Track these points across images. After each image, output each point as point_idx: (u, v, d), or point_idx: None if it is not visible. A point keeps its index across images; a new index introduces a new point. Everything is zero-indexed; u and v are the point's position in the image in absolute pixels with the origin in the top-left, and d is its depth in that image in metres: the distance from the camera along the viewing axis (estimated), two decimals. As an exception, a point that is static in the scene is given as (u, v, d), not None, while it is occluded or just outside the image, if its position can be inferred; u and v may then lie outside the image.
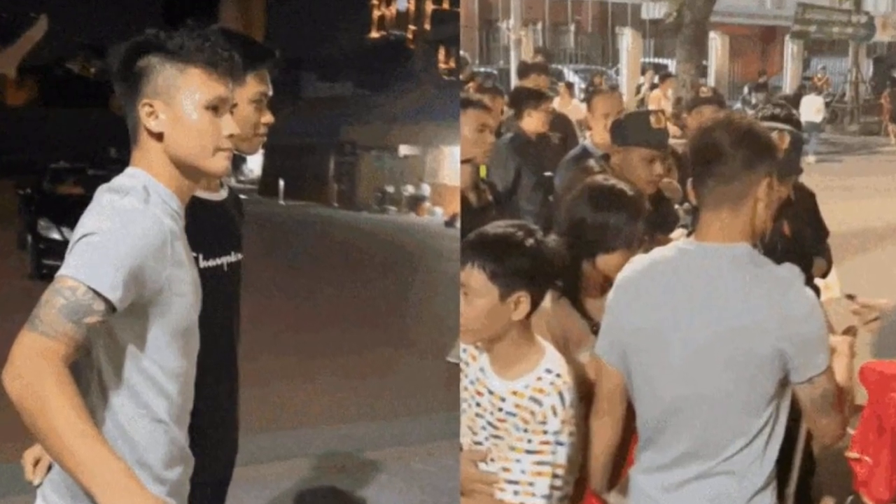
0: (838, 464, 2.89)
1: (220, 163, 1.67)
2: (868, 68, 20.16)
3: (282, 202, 23.95)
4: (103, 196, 1.60)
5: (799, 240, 2.90)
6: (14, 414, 1.42)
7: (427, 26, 32.92)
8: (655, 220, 2.66)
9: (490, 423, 2.04)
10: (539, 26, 19.71)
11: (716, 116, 1.95)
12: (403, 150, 23.23)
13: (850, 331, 2.46)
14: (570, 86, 10.61)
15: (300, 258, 12.49)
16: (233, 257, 2.09)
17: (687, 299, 1.84)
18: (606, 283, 2.15)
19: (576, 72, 17.35)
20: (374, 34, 37.13)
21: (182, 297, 1.63)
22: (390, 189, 23.04)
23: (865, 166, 14.63)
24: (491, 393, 2.04)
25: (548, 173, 4.36)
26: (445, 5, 32.28)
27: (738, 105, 16.85)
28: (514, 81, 8.71)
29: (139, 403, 1.61)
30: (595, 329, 2.13)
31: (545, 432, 1.97)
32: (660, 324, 1.87)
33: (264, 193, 25.82)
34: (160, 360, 1.62)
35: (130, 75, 1.63)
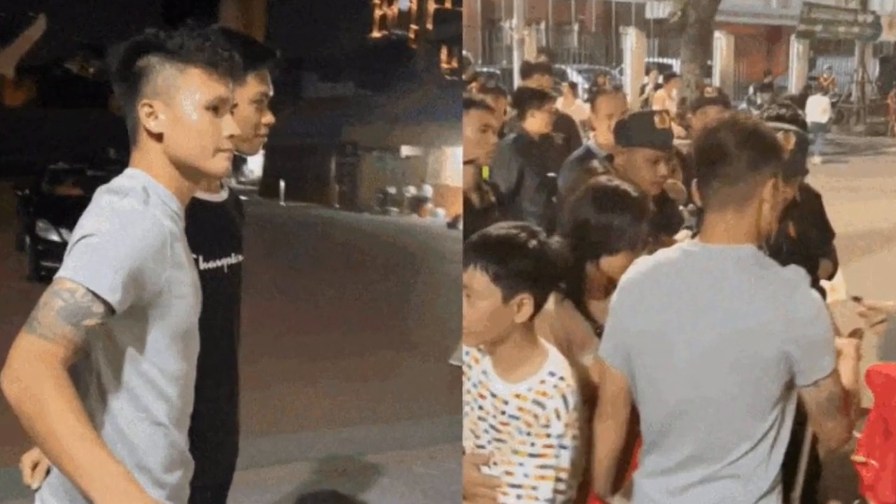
0: (844, 467, 2.88)
1: (221, 164, 1.66)
2: (874, 68, 20.10)
3: (283, 203, 23.98)
4: (102, 197, 1.59)
5: (804, 241, 2.89)
6: (12, 417, 1.41)
7: (429, 26, 32.95)
8: (660, 222, 2.64)
9: (493, 427, 2.04)
10: (542, 26, 19.71)
11: (721, 117, 1.95)
12: (405, 150, 23.25)
13: (856, 333, 2.45)
14: (573, 86, 10.60)
15: (301, 260, 12.50)
16: (233, 259, 2.09)
17: (691, 301, 1.83)
18: (610, 284, 2.15)
19: (579, 72, 17.34)
20: (376, 34, 37.19)
21: (182, 300, 1.62)
22: (392, 190, 23.05)
23: (871, 167, 14.60)
24: (494, 396, 2.04)
25: (551, 174, 4.35)
26: (448, 4, 32.30)
27: (744, 105, 16.81)
28: (517, 81, 8.70)
29: (139, 406, 1.60)
30: (599, 331, 2.13)
31: (548, 436, 1.96)
32: (664, 326, 1.86)
33: (265, 194, 25.85)
34: (160, 363, 1.61)
35: (130, 75, 1.62)
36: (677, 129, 4.52)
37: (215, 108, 1.63)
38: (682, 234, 3.08)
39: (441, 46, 30.89)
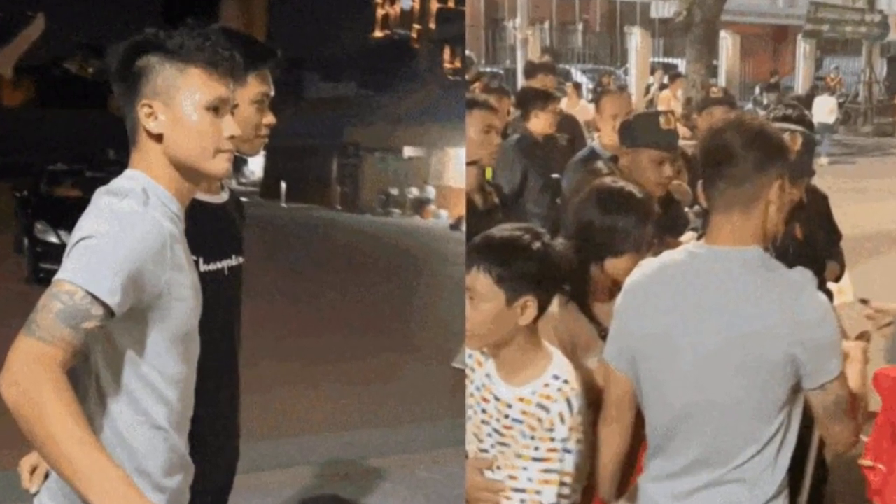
0: (851, 472, 2.85)
1: (221, 165, 1.65)
2: (882, 68, 19.99)
3: (284, 204, 24.02)
4: (101, 198, 1.59)
5: (811, 243, 2.88)
6: (11, 421, 1.41)
7: (432, 25, 32.93)
8: (665, 223, 2.64)
9: (496, 430, 2.03)
10: (546, 25, 19.67)
11: (727, 117, 1.94)
12: (408, 151, 23.26)
13: (863, 336, 2.43)
14: (577, 86, 10.57)
15: (302, 262, 12.51)
16: (234, 261, 2.09)
17: (697, 304, 1.83)
18: (615, 287, 2.14)
19: (584, 72, 17.29)
20: (378, 33, 37.17)
21: (182, 302, 1.61)
22: (394, 191, 23.07)
23: (879, 168, 14.54)
24: (497, 399, 2.03)
25: (555, 175, 4.34)
26: (451, 4, 32.28)
27: (750, 106, 16.78)
28: (521, 82, 8.71)
29: (138, 410, 1.60)
30: (603, 334, 2.12)
31: (552, 439, 1.95)
32: (669, 329, 1.86)
33: (266, 196, 25.90)
34: (160, 366, 1.61)
35: (129, 75, 1.61)
36: (683, 130, 4.52)
37: (216, 109, 1.62)
38: (688, 236, 3.07)
39: (444, 46, 30.87)
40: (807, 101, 14.19)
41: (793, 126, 2.69)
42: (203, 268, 1.93)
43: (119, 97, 1.64)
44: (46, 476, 1.66)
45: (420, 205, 22.09)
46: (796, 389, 1.81)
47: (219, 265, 2.02)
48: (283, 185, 24.91)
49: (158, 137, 1.62)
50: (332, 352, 7.31)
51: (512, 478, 1.99)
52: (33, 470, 1.73)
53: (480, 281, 1.95)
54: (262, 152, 3.80)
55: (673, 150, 3.22)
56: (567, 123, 5.37)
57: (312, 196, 24.40)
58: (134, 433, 1.59)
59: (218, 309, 1.92)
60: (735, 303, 1.79)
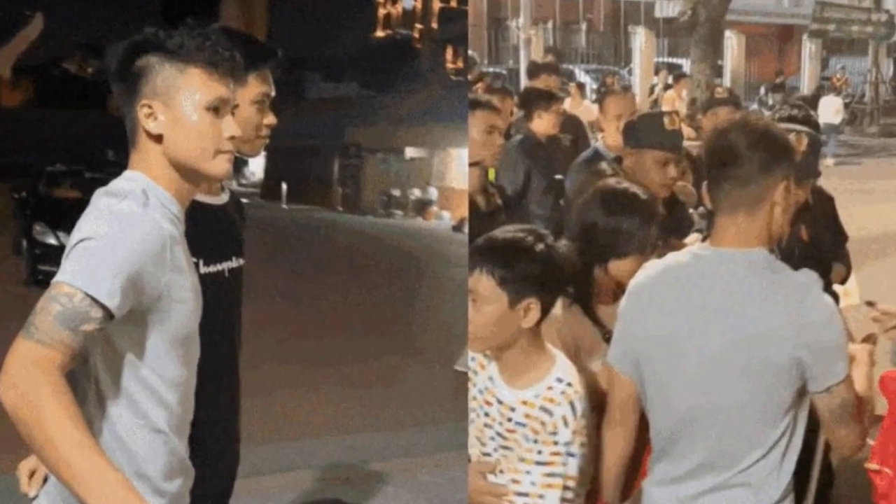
0: (857, 476, 2.84)
1: (221, 165, 1.64)
2: (888, 68, 19.92)
3: (284, 206, 24.05)
4: (101, 200, 1.58)
5: (817, 245, 2.88)
6: (9, 424, 1.40)
7: (434, 25, 32.94)
8: (669, 225, 2.63)
9: (499, 434, 2.02)
10: (549, 25, 19.66)
11: (732, 118, 1.94)
12: (410, 152, 23.28)
13: (869, 338, 2.42)
14: (581, 86, 10.55)
15: (303, 263, 12.53)
16: (234, 263, 2.08)
17: (702, 306, 1.82)
18: (619, 289, 2.14)
19: (587, 72, 17.27)
20: (380, 33, 37.17)
21: (182, 304, 1.61)
22: (396, 192, 23.10)
23: (886, 169, 14.49)
24: (500, 402, 2.02)
25: (558, 176, 4.34)
26: (453, 3, 32.30)
27: (755, 106, 16.73)
28: (524, 82, 8.69)
29: (138, 413, 1.59)
30: (607, 337, 2.12)
31: (556, 443, 1.95)
32: (674, 331, 1.85)
33: (266, 197, 25.95)
34: (159, 369, 1.60)
35: (129, 75, 1.60)
36: (687, 131, 4.51)
37: (216, 109, 1.61)
38: (692, 238, 3.06)
39: (446, 46, 30.87)
40: (812, 101, 14.15)
41: (798, 127, 2.69)
42: (203, 270, 1.93)
43: (118, 97, 1.63)
44: (45, 480, 1.66)
45: (422, 206, 22.11)
46: (802, 392, 1.81)
47: (219, 267, 2.02)
48: (284, 186, 24.96)
49: (158, 138, 1.61)
50: (333, 354, 7.31)
51: (515, 482, 1.99)
52: (32, 474, 1.73)
53: (483, 283, 1.94)
54: (263, 153, 3.79)
55: (677, 150, 3.21)
56: (570, 124, 5.35)
57: (313, 197, 24.43)
58: (133, 437, 1.58)
59: (218, 311, 1.91)
60: (740, 305, 1.78)
